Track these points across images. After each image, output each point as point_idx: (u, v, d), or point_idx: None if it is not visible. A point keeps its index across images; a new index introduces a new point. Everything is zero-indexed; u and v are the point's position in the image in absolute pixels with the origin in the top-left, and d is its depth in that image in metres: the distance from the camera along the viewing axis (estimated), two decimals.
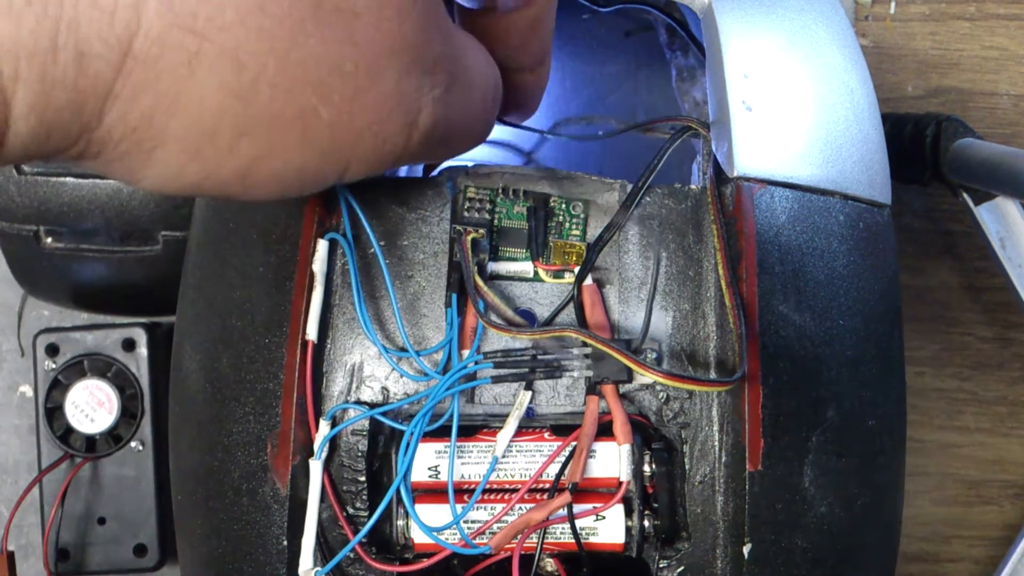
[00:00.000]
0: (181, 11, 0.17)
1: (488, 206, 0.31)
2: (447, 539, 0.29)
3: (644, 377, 0.29)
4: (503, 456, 0.29)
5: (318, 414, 0.30)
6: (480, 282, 0.30)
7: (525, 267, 0.31)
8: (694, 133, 0.32)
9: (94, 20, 0.16)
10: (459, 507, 0.29)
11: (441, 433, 0.29)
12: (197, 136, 0.18)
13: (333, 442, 0.30)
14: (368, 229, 0.30)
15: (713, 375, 0.30)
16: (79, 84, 0.17)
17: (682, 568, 0.29)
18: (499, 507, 0.29)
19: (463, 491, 0.30)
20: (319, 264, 0.30)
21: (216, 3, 0.17)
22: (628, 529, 0.30)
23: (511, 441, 0.30)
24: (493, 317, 0.30)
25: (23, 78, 0.16)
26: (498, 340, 0.30)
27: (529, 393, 0.30)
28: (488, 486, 0.30)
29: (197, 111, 0.18)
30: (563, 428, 0.30)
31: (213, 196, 0.23)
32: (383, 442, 0.30)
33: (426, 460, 0.30)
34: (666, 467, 0.30)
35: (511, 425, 0.29)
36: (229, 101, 0.18)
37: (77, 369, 0.46)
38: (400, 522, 0.30)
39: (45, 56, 0.16)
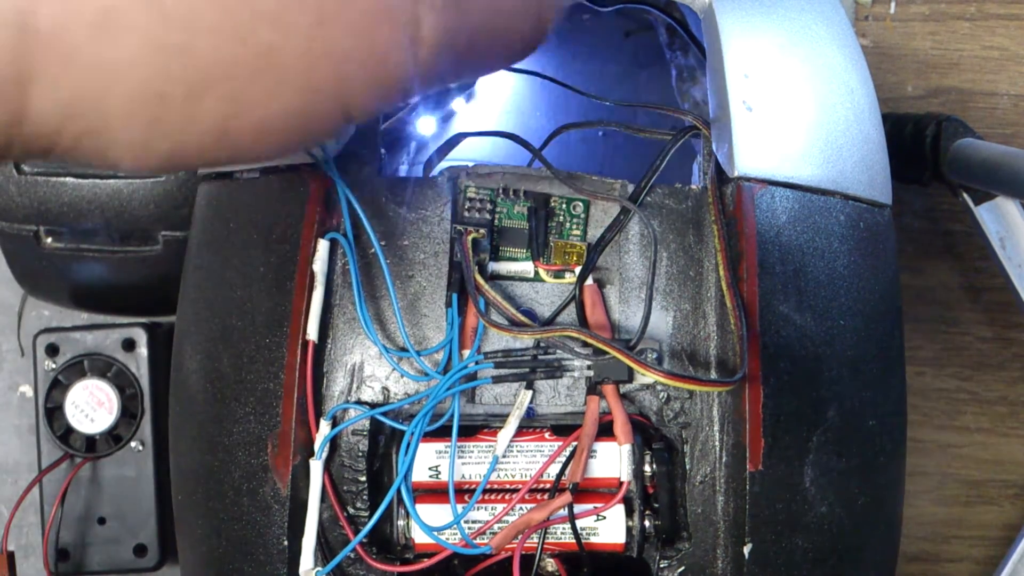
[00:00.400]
0: None
1: (488, 206, 0.31)
2: (448, 539, 0.29)
3: (645, 377, 0.29)
4: (503, 456, 0.29)
5: (319, 414, 0.30)
6: (481, 281, 0.30)
7: (526, 267, 0.31)
8: (695, 133, 0.32)
9: None
10: (460, 507, 0.29)
11: (442, 433, 0.29)
12: (144, 105, 0.16)
13: (334, 442, 0.30)
14: (368, 229, 0.30)
15: (714, 375, 0.30)
16: None
17: (683, 568, 0.29)
18: (500, 507, 0.29)
19: (464, 491, 0.30)
20: (320, 264, 0.30)
21: None
22: (629, 529, 0.30)
23: (512, 441, 0.30)
24: (494, 316, 0.30)
25: None
26: (499, 340, 0.30)
27: (530, 392, 0.30)
28: (489, 486, 0.30)
29: (131, 77, 0.15)
30: (564, 428, 0.30)
31: (206, 164, 0.19)
32: (384, 442, 0.30)
33: (427, 460, 0.30)
34: (667, 467, 0.30)
35: (512, 424, 0.29)
36: (164, 59, 0.15)
37: (77, 369, 0.46)
38: (401, 522, 0.30)
39: None
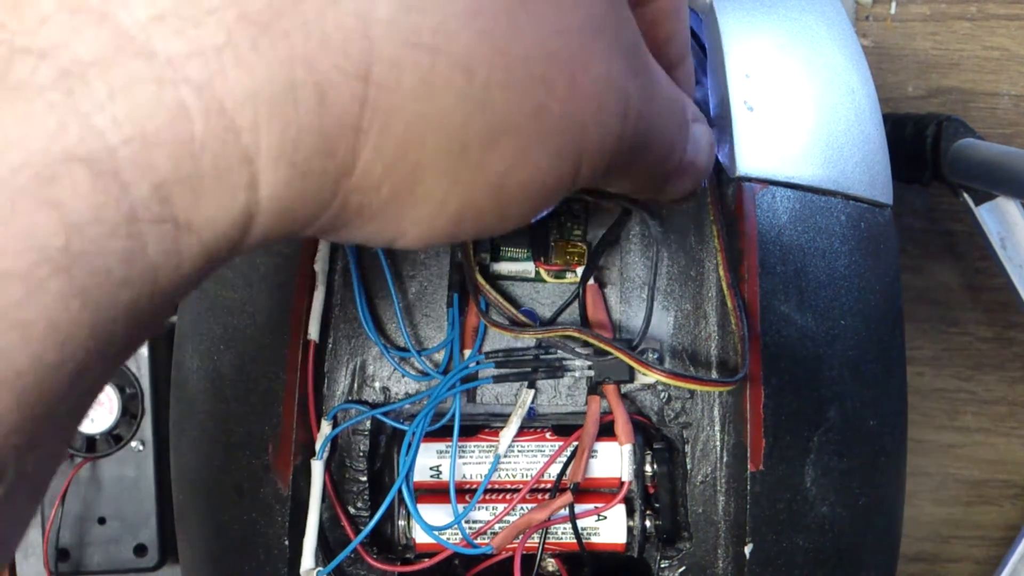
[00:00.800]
0: (408, 29, 0.16)
1: None
2: (449, 539, 0.29)
3: (646, 377, 0.29)
4: (504, 456, 0.29)
5: (320, 414, 0.30)
6: (482, 281, 0.30)
7: (527, 267, 0.31)
8: None
9: (328, 52, 0.15)
10: (460, 507, 0.29)
11: (443, 433, 0.29)
12: (451, 157, 0.17)
13: (335, 442, 0.30)
14: None
15: (715, 375, 0.30)
16: (325, 125, 0.15)
17: (683, 568, 0.29)
18: (501, 507, 0.29)
19: (465, 491, 0.30)
20: (320, 264, 0.30)
21: (436, 14, 0.16)
22: (630, 529, 0.30)
23: (513, 441, 0.30)
24: (495, 316, 0.30)
25: (264, 127, 0.15)
26: (499, 340, 0.30)
27: (531, 391, 0.30)
28: (490, 486, 0.30)
29: (445, 130, 0.17)
30: (565, 428, 0.30)
31: (469, 234, 0.20)
32: (385, 442, 0.30)
33: (428, 460, 0.30)
34: (667, 467, 0.30)
35: (514, 423, 0.29)
36: (470, 112, 0.17)
37: None
38: (402, 522, 0.30)
39: (285, 99, 0.15)
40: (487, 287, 0.30)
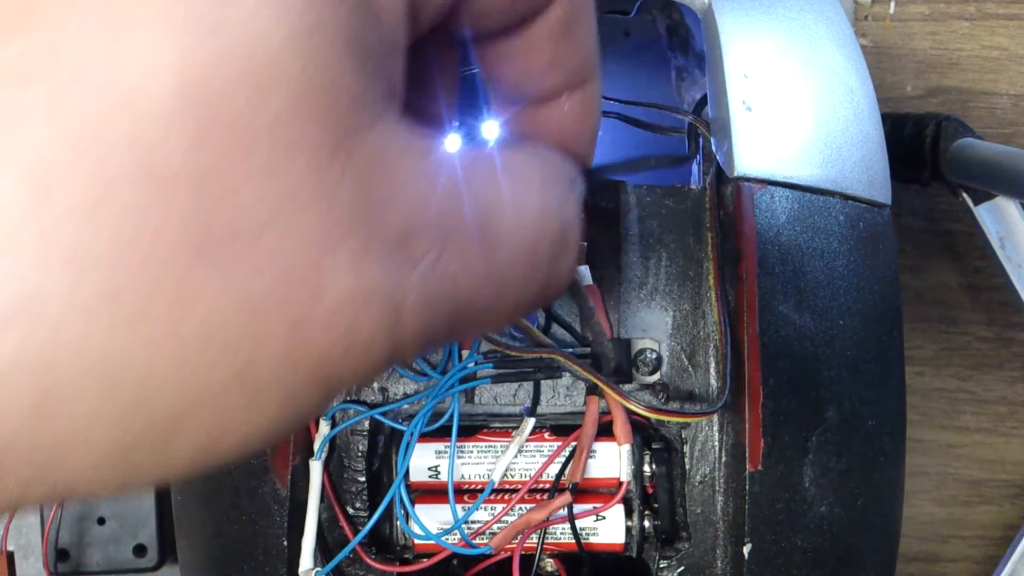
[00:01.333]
0: (16, 362, 0.12)
1: None
2: (447, 539, 0.29)
3: (644, 377, 0.30)
4: (502, 474, 0.29)
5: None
6: None
7: None
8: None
9: None
10: (459, 506, 0.29)
11: (441, 433, 0.29)
12: (110, 463, 0.14)
13: (333, 442, 0.30)
14: None
15: (713, 381, 0.30)
16: None
17: (682, 568, 0.29)
18: (499, 507, 0.29)
19: (463, 491, 0.30)
20: None
21: (52, 337, 0.12)
22: (628, 529, 0.30)
23: (513, 457, 0.30)
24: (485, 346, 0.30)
25: None
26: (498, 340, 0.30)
27: (532, 420, 0.29)
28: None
29: (88, 444, 0.13)
30: (563, 428, 0.30)
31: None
32: (383, 442, 0.30)
33: (426, 460, 0.30)
34: (666, 467, 0.30)
35: (512, 450, 0.29)
36: (120, 417, 0.13)
37: None
38: (400, 522, 0.30)
39: None
40: None
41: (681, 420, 0.29)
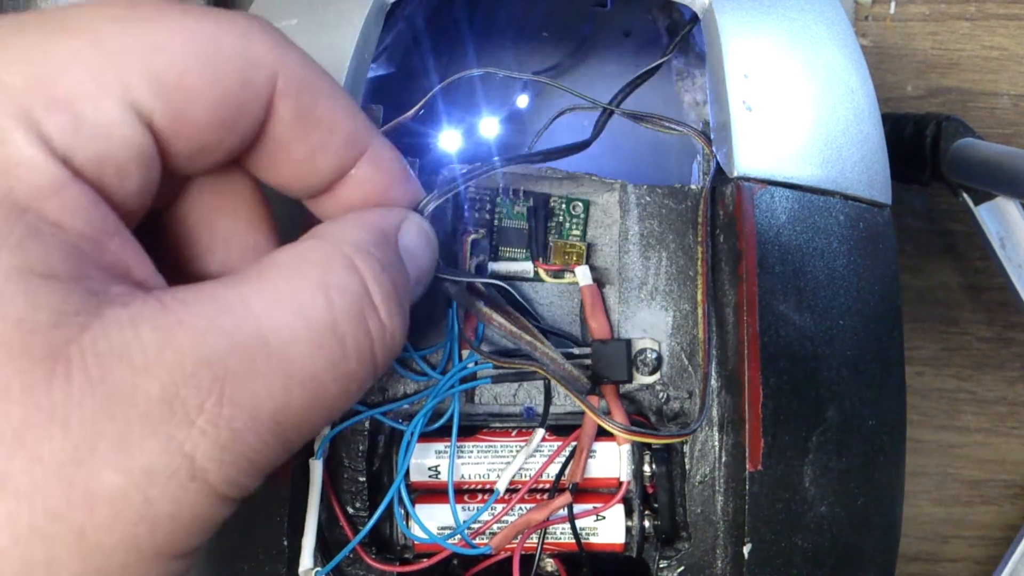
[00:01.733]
0: None
1: (488, 206, 0.31)
2: (447, 539, 0.29)
3: (644, 377, 0.30)
4: (507, 484, 0.29)
5: None
6: (482, 308, 0.29)
7: (525, 267, 0.31)
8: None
9: None
10: (459, 506, 0.29)
11: (441, 433, 0.29)
12: None
13: (333, 442, 0.30)
14: None
15: (713, 382, 0.30)
16: None
17: (682, 568, 0.29)
18: (499, 507, 0.29)
19: (464, 491, 0.30)
20: None
21: None
22: (628, 529, 0.30)
23: (512, 441, 0.30)
24: (485, 346, 0.30)
25: None
26: (498, 340, 0.30)
27: (541, 431, 0.29)
28: (489, 486, 0.30)
29: None
30: (563, 428, 0.30)
31: None
32: (383, 442, 0.30)
33: (426, 460, 0.30)
34: (666, 467, 0.30)
35: (518, 462, 0.29)
36: None
37: None
38: (400, 522, 0.30)
39: None
40: (485, 311, 0.29)
41: (656, 442, 0.29)
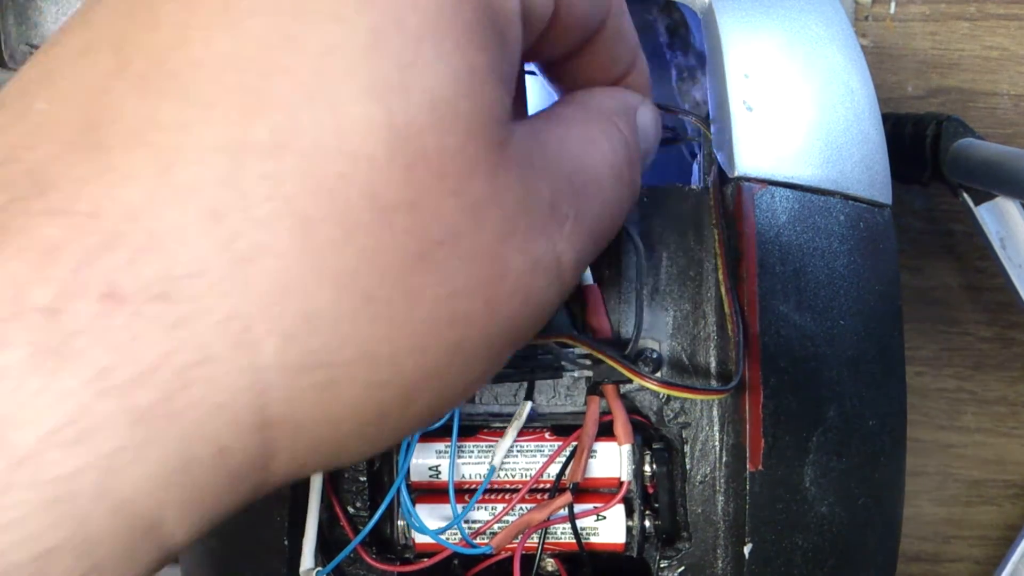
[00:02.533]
0: (298, 357, 0.15)
1: None
2: (448, 539, 0.29)
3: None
4: (502, 458, 0.29)
5: None
6: None
7: None
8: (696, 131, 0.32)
9: (223, 422, 0.15)
10: (460, 506, 0.29)
11: (442, 433, 0.29)
12: (366, 428, 0.17)
13: None
14: None
15: (713, 383, 0.30)
16: (232, 473, 0.15)
17: (683, 568, 0.29)
18: (500, 507, 0.29)
19: (464, 491, 0.30)
20: None
21: (324, 328, 0.15)
22: (629, 529, 0.30)
23: (512, 441, 0.30)
24: None
25: (168, 502, 0.15)
26: None
27: (529, 403, 0.30)
28: (489, 486, 0.30)
29: (358, 417, 0.17)
30: (564, 428, 0.30)
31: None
32: None
33: (427, 460, 0.30)
34: (667, 467, 0.30)
35: (510, 435, 0.29)
36: (381, 392, 0.16)
37: None
38: (401, 522, 0.30)
39: (186, 474, 0.15)
40: None
41: (693, 397, 0.29)
